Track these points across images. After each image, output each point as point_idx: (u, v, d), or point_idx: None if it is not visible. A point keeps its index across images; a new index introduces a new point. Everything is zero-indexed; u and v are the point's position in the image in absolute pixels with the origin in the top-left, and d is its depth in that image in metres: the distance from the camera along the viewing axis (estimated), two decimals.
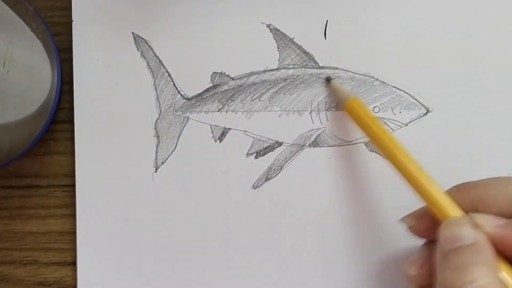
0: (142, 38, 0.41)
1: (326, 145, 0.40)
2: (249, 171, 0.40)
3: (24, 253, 0.40)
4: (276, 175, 0.40)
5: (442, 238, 0.33)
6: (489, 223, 0.33)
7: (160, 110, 0.40)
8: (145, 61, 0.41)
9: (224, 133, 0.40)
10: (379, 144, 0.37)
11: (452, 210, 0.34)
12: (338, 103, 0.40)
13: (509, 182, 0.33)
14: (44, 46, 0.39)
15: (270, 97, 0.41)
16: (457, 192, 0.35)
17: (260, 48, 0.41)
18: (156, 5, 0.41)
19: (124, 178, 0.40)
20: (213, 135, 0.40)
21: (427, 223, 0.35)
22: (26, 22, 0.37)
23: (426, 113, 0.40)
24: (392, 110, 0.40)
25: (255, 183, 0.40)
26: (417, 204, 0.40)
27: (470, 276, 0.30)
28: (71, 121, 0.40)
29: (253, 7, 0.41)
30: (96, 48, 0.40)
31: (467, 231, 0.32)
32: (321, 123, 0.40)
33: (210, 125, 0.40)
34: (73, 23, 0.40)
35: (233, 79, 0.41)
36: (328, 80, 0.40)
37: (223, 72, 0.41)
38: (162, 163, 0.40)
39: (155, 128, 0.40)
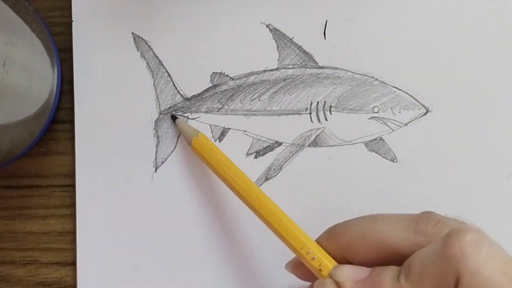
0: (142, 38, 0.41)
1: (325, 145, 0.40)
2: (248, 171, 0.40)
3: (24, 253, 0.40)
4: (275, 175, 0.40)
5: None
6: (351, 278, 0.33)
7: (160, 110, 0.41)
8: (145, 61, 0.41)
9: (223, 133, 0.40)
10: (231, 182, 0.37)
11: (318, 263, 0.34)
12: (188, 142, 0.39)
13: (373, 226, 0.33)
14: (44, 46, 0.39)
15: (269, 97, 0.41)
16: (327, 240, 0.35)
17: (260, 48, 0.41)
18: (155, 6, 0.41)
19: (124, 178, 0.40)
20: (212, 135, 0.40)
21: (307, 270, 0.35)
22: (26, 22, 0.38)
23: (425, 113, 0.40)
24: (391, 110, 0.40)
25: (254, 183, 0.40)
26: (412, 207, 0.40)
27: None
28: (71, 121, 0.40)
29: (252, 7, 0.41)
30: (96, 48, 0.41)
31: None
32: (321, 123, 0.40)
33: (210, 125, 0.41)
34: (73, 23, 0.41)
35: (232, 79, 0.41)
36: (173, 118, 0.40)
37: (223, 72, 0.41)
38: (162, 163, 0.40)
39: (155, 128, 0.40)
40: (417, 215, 0.33)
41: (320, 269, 0.34)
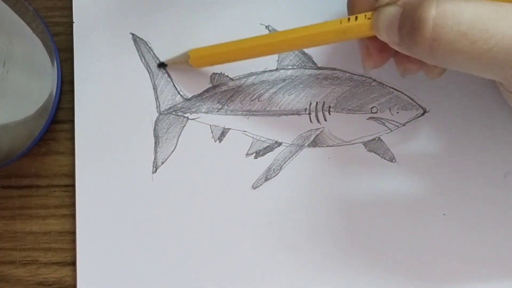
0: (142, 39, 0.41)
1: (325, 145, 0.41)
2: (248, 171, 0.40)
3: (24, 253, 0.40)
4: (275, 175, 0.40)
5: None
6: None
7: (160, 111, 0.41)
8: (145, 62, 0.41)
9: (223, 133, 0.41)
10: (263, 50, 0.37)
11: (365, 15, 0.34)
12: (183, 65, 0.39)
13: None
14: (44, 46, 0.39)
15: (269, 98, 0.41)
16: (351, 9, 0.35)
17: None
18: (156, 6, 0.41)
19: (124, 178, 0.40)
20: (212, 135, 0.41)
21: (376, 49, 0.35)
22: (26, 22, 0.38)
23: (423, 114, 0.41)
24: (389, 110, 0.41)
25: (254, 183, 0.40)
26: (410, 207, 0.40)
27: None
28: (71, 121, 0.40)
29: (252, 8, 0.41)
30: (97, 48, 0.41)
31: None
32: (320, 123, 0.41)
33: (210, 125, 0.41)
34: (74, 24, 0.41)
35: (232, 79, 0.41)
36: (163, 65, 0.40)
37: (223, 73, 0.41)
38: (162, 163, 0.40)
39: (154, 129, 0.41)
40: None
41: (369, 18, 0.33)
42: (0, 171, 0.40)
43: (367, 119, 0.41)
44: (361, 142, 0.41)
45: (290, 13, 0.41)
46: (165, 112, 0.41)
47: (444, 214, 0.40)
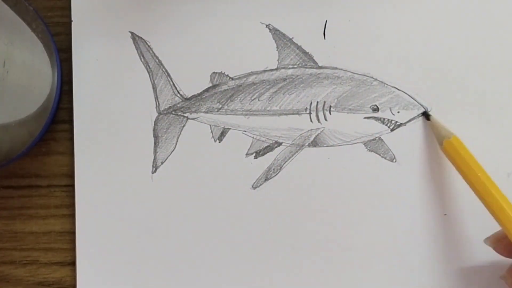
0: (141, 38, 0.41)
1: (325, 145, 0.40)
2: (248, 171, 0.40)
3: (24, 253, 0.40)
4: (275, 175, 0.40)
5: None
6: None
7: (159, 110, 0.41)
8: (144, 61, 0.41)
9: (223, 133, 0.40)
10: (475, 186, 0.37)
11: None
12: (437, 139, 0.39)
13: None
14: (44, 46, 0.39)
15: (269, 97, 0.41)
16: None
17: (260, 48, 0.41)
18: (155, 5, 0.41)
19: (123, 178, 0.40)
20: (212, 135, 0.40)
21: (508, 245, 0.36)
22: (26, 22, 0.38)
23: (424, 113, 0.40)
24: (390, 110, 0.40)
25: (254, 183, 0.40)
26: (411, 207, 0.40)
27: None
28: (71, 121, 0.40)
29: (252, 7, 0.41)
30: (96, 48, 0.41)
31: None
32: (320, 123, 0.40)
33: (210, 125, 0.41)
34: (72, 23, 0.41)
35: (232, 79, 0.41)
36: (426, 115, 0.40)
37: (223, 72, 0.41)
38: (162, 163, 0.40)
39: (154, 128, 0.41)
40: None
41: None
42: (0, 171, 0.40)
43: (368, 118, 0.40)
44: (361, 142, 0.40)
45: (290, 12, 0.41)
46: (165, 112, 0.41)
47: (445, 214, 0.40)
